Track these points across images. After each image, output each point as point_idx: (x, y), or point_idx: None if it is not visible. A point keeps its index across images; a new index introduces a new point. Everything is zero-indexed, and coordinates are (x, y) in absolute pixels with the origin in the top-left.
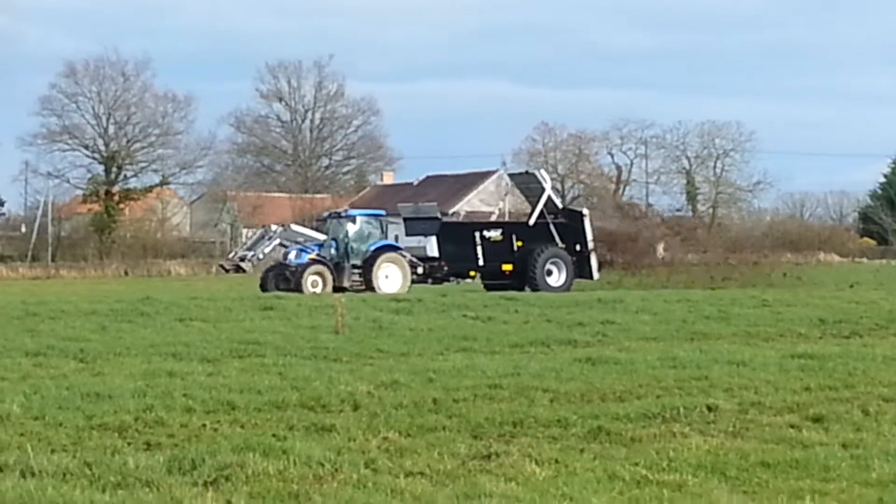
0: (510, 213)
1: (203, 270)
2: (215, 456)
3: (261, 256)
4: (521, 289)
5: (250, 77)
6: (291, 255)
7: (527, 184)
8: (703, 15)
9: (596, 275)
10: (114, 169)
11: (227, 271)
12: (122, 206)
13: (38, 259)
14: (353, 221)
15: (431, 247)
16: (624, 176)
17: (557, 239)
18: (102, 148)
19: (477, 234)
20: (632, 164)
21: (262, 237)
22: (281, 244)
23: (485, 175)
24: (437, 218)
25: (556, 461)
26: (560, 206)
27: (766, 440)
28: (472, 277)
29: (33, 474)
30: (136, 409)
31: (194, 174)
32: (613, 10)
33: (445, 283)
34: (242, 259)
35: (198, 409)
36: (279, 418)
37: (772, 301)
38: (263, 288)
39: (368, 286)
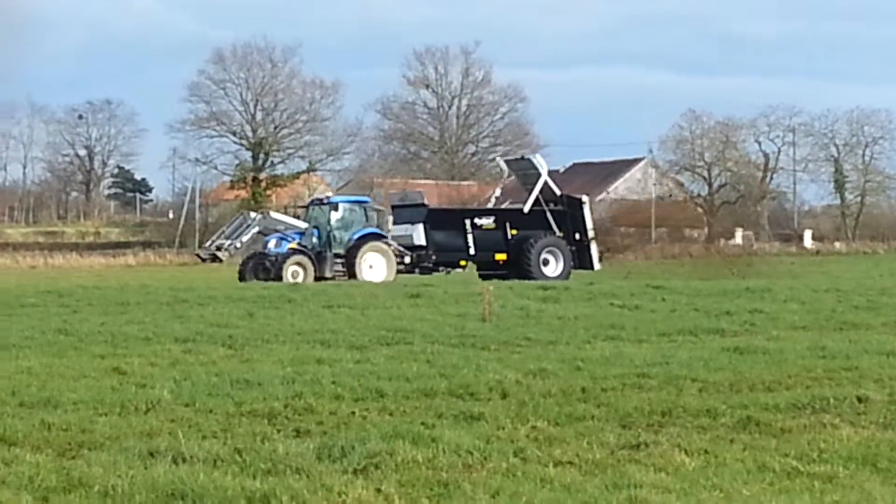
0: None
1: None
2: (364, 443)
3: (238, 245)
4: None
5: (397, 64)
6: (271, 244)
7: (524, 170)
8: (854, 3)
9: (597, 265)
10: (261, 155)
11: (203, 260)
12: (269, 192)
13: (186, 245)
14: (336, 209)
15: (418, 235)
16: (771, 164)
17: (555, 227)
18: (250, 134)
19: (467, 222)
20: (779, 151)
21: (240, 225)
22: (260, 232)
23: (631, 163)
24: (423, 205)
25: (706, 451)
26: (558, 192)
27: None
28: (463, 267)
29: (184, 460)
30: (285, 396)
31: (341, 161)
32: None
33: (434, 274)
34: (219, 248)
35: (346, 396)
36: (427, 406)
37: None
38: (241, 278)
39: (351, 276)
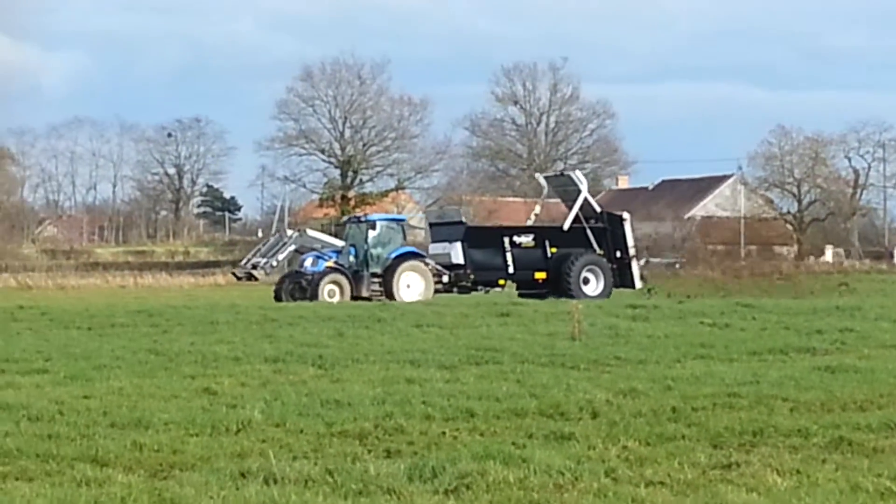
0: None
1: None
2: (455, 464)
3: (274, 264)
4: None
5: (486, 80)
6: (307, 263)
7: (563, 186)
8: None
9: (638, 283)
10: (349, 173)
11: (238, 279)
12: (357, 210)
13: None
14: (374, 227)
15: (456, 253)
16: (861, 180)
17: (595, 245)
18: (338, 152)
19: (506, 240)
20: (869, 167)
21: (276, 243)
22: (297, 251)
23: (721, 179)
24: (461, 223)
25: (798, 471)
26: (598, 209)
27: None
28: (502, 286)
29: (276, 481)
30: (375, 417)
31: (429, 178)
32: (852, 12)
33: (473, 293)
34: (255, 266)
35: (437, 416)
36: (518, 426)
37: None
38: (278, 297)
39: (389, 296)
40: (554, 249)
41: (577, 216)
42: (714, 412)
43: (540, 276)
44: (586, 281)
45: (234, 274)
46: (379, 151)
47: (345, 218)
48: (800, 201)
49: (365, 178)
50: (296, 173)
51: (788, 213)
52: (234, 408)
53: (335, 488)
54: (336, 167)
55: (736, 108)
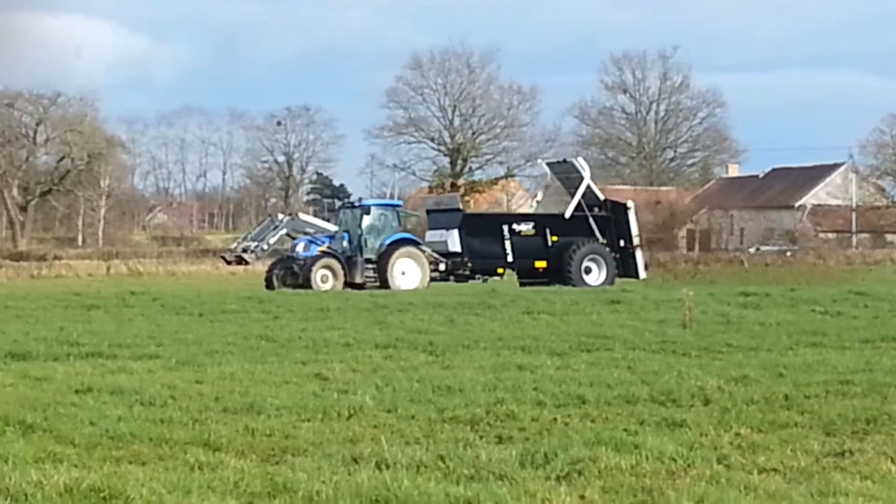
0: None
1: None
2: (567, 450)
3: (265, 247)
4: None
5: (595, 69)
6: (299, 247)
7: (566, 173)
8: None
9: (642, 273)
10: (459, 161)
11: (228, 263)
12: (467, 198)
13: None
14: (368, 212)
15: (453, 241)
16: None
17: (598, 233)
18: (448, 140)
19: (505, 228)
20: None
21: (267, 227)
22: (288, 235)
23: (832, 168)
24: (458, 210)
25: None
26: (601, 197)
27: None
28: (501, 275)
29: (388, 466)
30: (486, 403)
31: (539, 166)
32: None
33: (471, 282)
34: (245, 250)
35: (548, 402)
36: (629, 413)
37: None
38: (269, 283)
39: (383, 282)
40: (555, 238)
41: (579, 204)
42: (827, 400)
43: (540, 264)
44: (588, 270)
45: (223, 258)
46: (488, 139)
47: (339, 203)
48: None
49: (474, 166)
50: (405, 161)
51: None
52: (346, 393)
53: (447, 474)
54: (445, 155)
55: (848, 96)
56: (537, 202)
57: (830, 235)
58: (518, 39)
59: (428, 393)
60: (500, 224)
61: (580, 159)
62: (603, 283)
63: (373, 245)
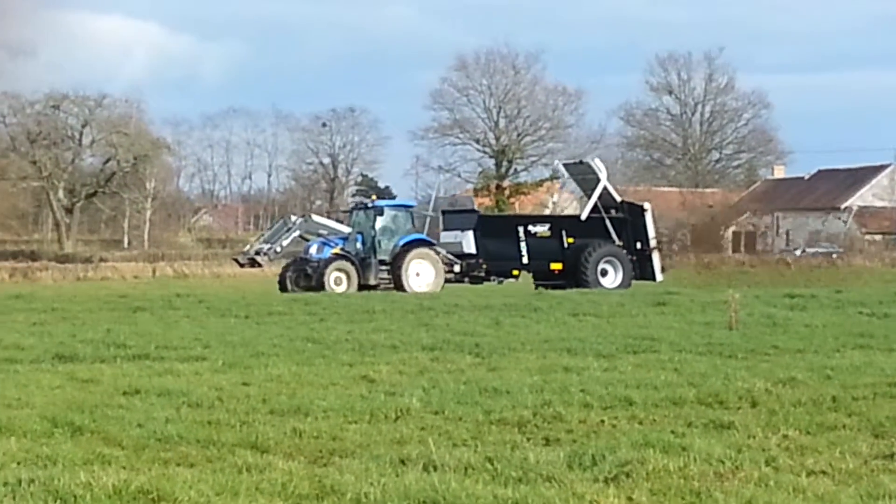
0: None
1: None
2: (615, 452)
3: (278, 250)
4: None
5: (640, 70)
6: (313, 249)
7: (582, 175)
8: None
9: (659, 276)
10: (504, 162)
11: (241, 266)
12: (512, 200)
13: None
14: (381, 213)
15: (468, 243)
16: None
17: (614, 235)
18: (493, 142)
19: (521, 229)
20: None
21: (280, 228)
22: (301, 237)
23: (878, 169)
24: (473, 211)
25: None
26: (618, 199)
27: None
28: (516, 277)
29: (435, 468)
30: (533, 405)
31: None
32: None
33: (486, 283)
34: (258, 253)
35: (595, 404)
36: (677, 415)
37: None
38: (282, 285)
39: (397, 284)
40: (571, 240)
41: (595, 206)
42: (875, 402)
43: (556, 266)
44: (604, 273)
45: (236, 260)
46: (534, 141)
47: (351, 204)
48: None
49: (520, 167)
50: (450, 163)
51: None
52: (393, 395)
53: (495, 476)
54: (490, 157)
55: (894, 97)
56: (553, 203)
57: (877, 237)
58: (563, 39)
59: (475, 395)
60: (515, 225)
61: (597, 160)
62: (619, 286)
63: (386, 246)
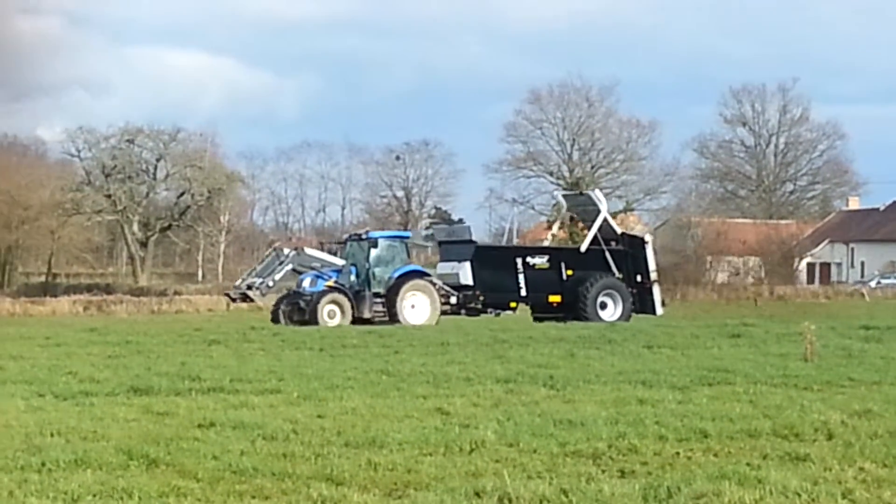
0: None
1: (666, 296)
2: (690, 484)
3: (270, 284)
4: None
5: (713, 102)
6: (306, 283)
7: (582, 206)
8: None
9: (659, 310)
10: None
11: (233, 300)
12: (585, 232)
13: None
14: (375, 245)
15: (465, 274)
16: None
17: (614, 268)
18: (566, 174)
19: (519, 261)
20: None
21: (272, 262)
22: (294, 270)
23: None
24: (471, 241)
25: None
26: (618, 231)
27: None
28: (514, 309)
29: (510, 500)
30: (608, 437)
31: (658, 200)
32: None
33: (483, 316)
34: (250, 287)
35: (670, 436)
36: (752, 447)
37: None
38: (275, 319)
39: (392, 317)
40: (570, 272)
41: (595, 238)
42: None
43: (554, 299)
44: (603, 305)
45: (227, 295)
46: (607, 173)
47: (345, 236)
48: None
49: None
50: (524, 195)
51: None
52: (467, 427)
53: None
54: (564, 189)
55: None
56: (552, 235)
57: None
58: (637, 72)
59: (549, 427)
60: (513, 257)
61: (597, 191)
62: (618, 319)
63: (381, 278)
